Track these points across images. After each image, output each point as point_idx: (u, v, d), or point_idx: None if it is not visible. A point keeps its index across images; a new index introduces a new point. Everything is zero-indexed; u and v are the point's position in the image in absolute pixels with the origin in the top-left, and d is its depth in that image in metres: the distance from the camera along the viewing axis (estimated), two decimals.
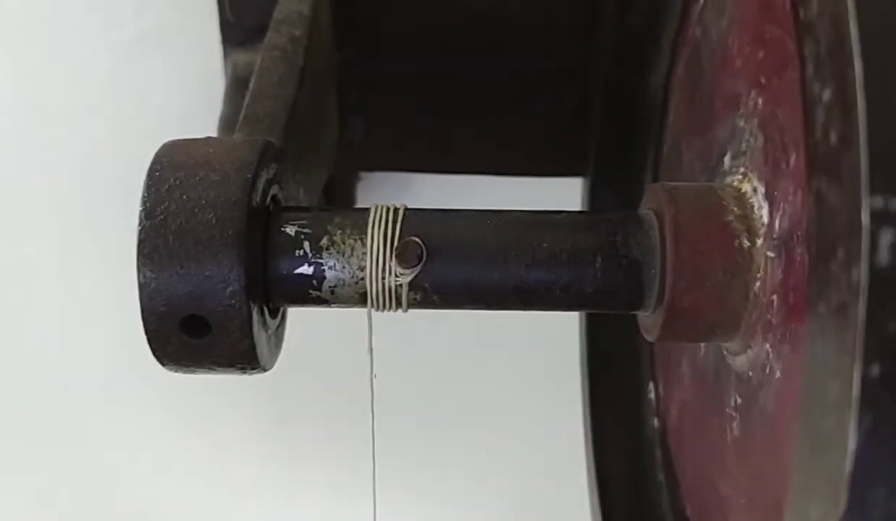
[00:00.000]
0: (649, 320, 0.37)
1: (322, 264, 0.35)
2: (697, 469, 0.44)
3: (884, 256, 0.21)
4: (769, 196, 0.34)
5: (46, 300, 0.71)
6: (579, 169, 0.59)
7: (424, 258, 0.35)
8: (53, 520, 0.80)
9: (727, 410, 0.37)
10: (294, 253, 0.35)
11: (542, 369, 0.71)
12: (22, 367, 0.74)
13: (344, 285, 0.35)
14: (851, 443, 0.21)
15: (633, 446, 0.52)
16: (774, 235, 0.33)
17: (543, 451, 0.74)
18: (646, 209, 0.37)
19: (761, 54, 0.37)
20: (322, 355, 0.70)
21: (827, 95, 0.24)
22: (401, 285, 0.35)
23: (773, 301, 0.33)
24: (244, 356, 0.35)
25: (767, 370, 0.33)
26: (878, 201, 0.22)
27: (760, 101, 0.37)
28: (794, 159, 0.33)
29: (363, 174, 0.63)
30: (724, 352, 0.37)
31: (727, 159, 0.38)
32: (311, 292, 0.35)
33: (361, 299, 0.35)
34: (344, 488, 0.72)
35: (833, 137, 0.24)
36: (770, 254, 0.33)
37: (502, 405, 0.74)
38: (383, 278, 0.35)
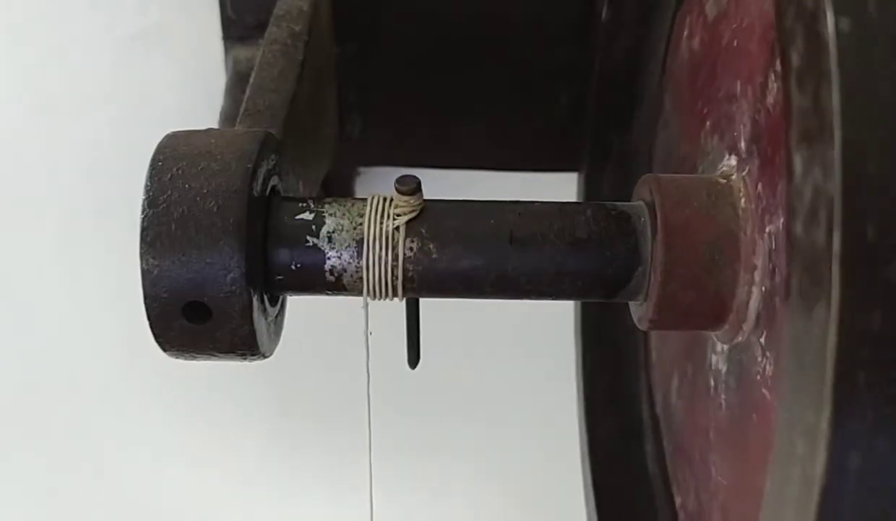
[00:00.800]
0: (642, 309, 0.37)
1: (323, 213, 0.36)
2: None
3: None
4: (733, 147, 0.36)
5: (49, 294, 0.71)
6: (575, 164, 0.60)
7: (422, 194, 0.36)
8: (54, 511, 0.81)
9: (759, 371, 0.36)
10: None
11: (541, 361, 0.71)
12: (24, 360, 0.74)
13: (342, 230, 0.36)
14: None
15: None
16: (743, 155, 0.35)
17: (542, 443, 0.74)
18: (640, 201, 0.38)
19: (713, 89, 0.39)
20: (321, 351, 0.70)
21: None
22: (398, 229, 0.36)
23: (759, 192, 0.34)
24: (244, 342, 0.35)
25: (777, 282, 0.33)
26: None
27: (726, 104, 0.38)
28: (739, 90, 0.34)
29: (362, 169, 0.64)
30: (726, 343, 0.37)
31: (731, 157, 0.39)
32: (308, 239, 0.36)
33: (358, 247, 0.35)
34: (343, 479, 0.73)
35: None
36: (745, 169, 0.35)
37: (501, 398, 0.75)
38: (381, 223, 0.36)
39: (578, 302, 0.57)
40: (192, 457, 0.78)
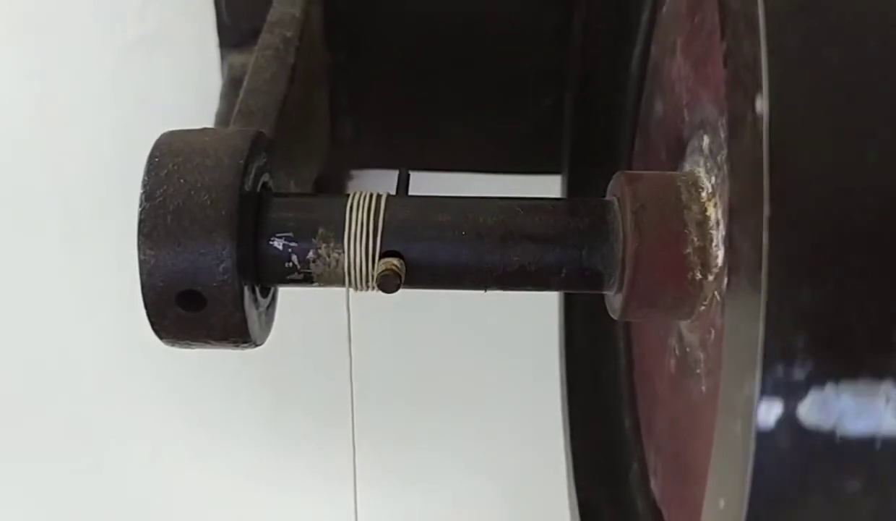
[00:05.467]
0: (615, 300, 0.39)
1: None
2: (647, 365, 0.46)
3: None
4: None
5: (51, 290, 0.73)
6: (559, 165, 0.61)
7: (403, 281, 0.37)
8: (54, 506, 0.82)
9: (671, 342, 0.39)
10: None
11: (526, 354, 0.72)
12: (25, 360, 0.76)
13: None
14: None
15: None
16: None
17: (528, 437, 0.75)
18: (612, 195, 0.39)
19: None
20: (311, 351, 0.72)
21: None
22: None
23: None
24: (236, 329, 0.37)
25: (700, 368, 0.36)
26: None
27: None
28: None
29: (354, 172, 0.66)
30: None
31: (705, 145, 0.40)
32: (297, 276, 0.38)
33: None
34: (331, 474, 0.74)
35: None
36: (718, 297, 0.36)
37: (486, 390, 0.76)
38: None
39: (562, 293, 0.59)
40: (189, 450, 0.80)
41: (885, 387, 0.24)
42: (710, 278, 0.36)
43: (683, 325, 0.40)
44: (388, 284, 0.37)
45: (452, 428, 0.78)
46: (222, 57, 0.57)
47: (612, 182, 0.40)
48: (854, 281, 0.24)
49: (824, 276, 0.24)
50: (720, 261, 0.36)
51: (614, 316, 0.40)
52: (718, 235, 0.36)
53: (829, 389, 0.24)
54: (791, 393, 0.24)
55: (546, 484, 0.65)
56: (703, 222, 0.37)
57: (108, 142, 0.66)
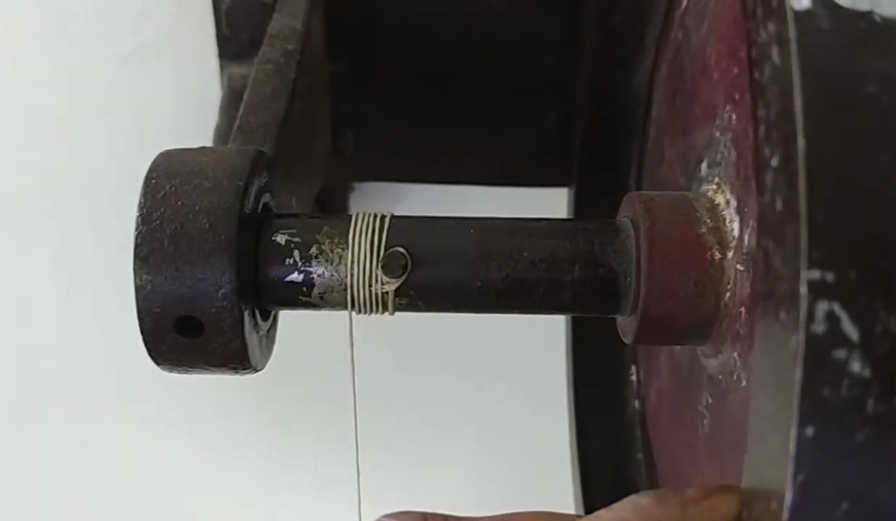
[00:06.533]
0: (625, 324, 0.38)
1: (311, 273, 0.36)
2: (672, 456, 0.45)
3: (819, 326, 0.23)
4: (740, 211, 0.36)
5: (46, 306, 0.72)
6: (566, 179, 0.60)
7: (409, 268, 0.36)
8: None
9: (699, 408, 0.38)
10: (284, 261, 0.36)
11: (529, 365, 0.72)
12: (21, 373, 0.75)
13: (333, 291, 0.36)
14: (788, 497, 0.23)
15: (615, 425, 0.53)
16: (744, 250, 0.35)
17: (531, 443, 0.75)
18: (623, 217, 0.38)
19: (735, 71, 0.38)
20: (312, 364, 0.71)
21: (775, 161, 0.26)
22: (387, 293, 0.37)
23: (741, 313, 0.34)
24: (236, 356, 0.36)
25: (735, 377, 0.35)
26: (816, 274, 0.23)
27: (734, 116, 0.38)
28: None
29: (356, 184, 0.65)
30: (699, 352, 0.38)
31: (704, 167, 0.40)
32: (301, 298, 0.37)
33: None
34: (332, 488, 0.73)
35: (779, 204, 0.25)
36: (739, 267, 0.35)
37: (491, 404, 0.75)
38: (369, 286, 0.36)
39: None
40: (188, 466, 0.79)
41: None
42: (730, 254, 0.35)
43: (700, 349, 0.39)
44: (392, 264, 0.36)
45: (458, 442, 0.77)
46: (222, 68, 0.56)
47: (624, 202, 0.39)
48: None
49: None
50: (736, 233, 0.35)
51: (626, 340, 0.39)
52: (730, 212, 0.35)
53: None
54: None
55: (553, 498, 0.64)
56: (713, 208, 0.36)
57: (104, 154, 0.65)
